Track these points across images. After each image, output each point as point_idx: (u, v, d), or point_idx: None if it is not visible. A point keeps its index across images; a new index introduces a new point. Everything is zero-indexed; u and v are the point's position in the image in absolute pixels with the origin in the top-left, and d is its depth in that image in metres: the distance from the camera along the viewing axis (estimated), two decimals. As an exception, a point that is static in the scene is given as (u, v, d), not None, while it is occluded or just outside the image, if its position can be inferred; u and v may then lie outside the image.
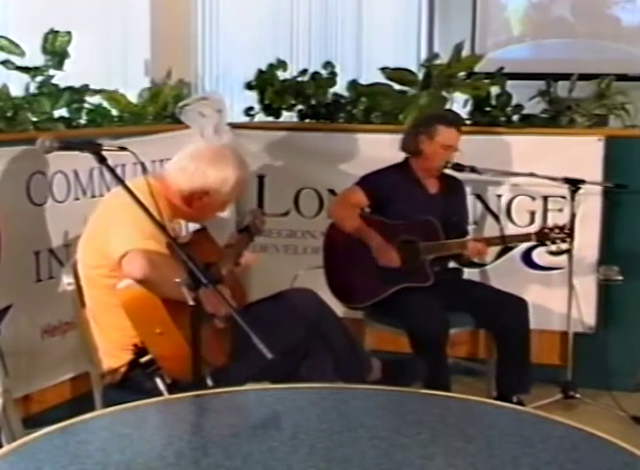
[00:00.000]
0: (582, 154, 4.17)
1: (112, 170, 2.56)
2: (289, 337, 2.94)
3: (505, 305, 3.83)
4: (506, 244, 3.95)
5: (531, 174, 4.01)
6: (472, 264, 4.17)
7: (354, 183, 3.98)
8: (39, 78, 3.70)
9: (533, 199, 4.28)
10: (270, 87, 4.68)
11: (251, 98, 4.81)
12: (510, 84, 4.47)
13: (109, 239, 2.74)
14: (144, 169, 2.68)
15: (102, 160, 2.53)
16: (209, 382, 2.49)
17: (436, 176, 4.02)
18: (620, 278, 4.09)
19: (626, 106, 4.36)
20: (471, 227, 4.20)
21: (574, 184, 3.89)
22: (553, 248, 3.98)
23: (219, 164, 2.92)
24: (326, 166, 4.48)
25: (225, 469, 1.66)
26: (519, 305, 3.82)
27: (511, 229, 4.27)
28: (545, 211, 4.27)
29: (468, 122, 4.46)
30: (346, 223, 3.93)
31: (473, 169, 3.98)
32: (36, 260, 3.49)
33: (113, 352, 2.85)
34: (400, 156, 4.02)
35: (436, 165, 3.93)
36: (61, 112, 3.78)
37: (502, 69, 4.53)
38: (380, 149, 4.20)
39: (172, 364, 2.67)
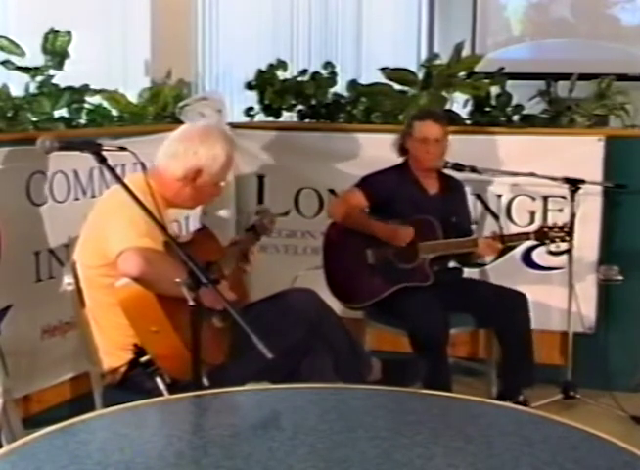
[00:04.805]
0: (582, 154, 4.17)
1: (112, 170, 2.56)
2: (289, 337, 2.94)
3: (505, 302, 3.83)
4: (505, 243, 3.94)
5: (531, 174, 4.01)
6: (472, 264, 4.17)
7: (354, 185, 3.98)
8: (39, 78, 3.70)
9: (533, 199, 4.28)
10: (270, 87, 4.68)
11: (252, 98, 4.81)
12: (510, 84, 4.47)
13: (106, 238, 2.74)
14: (144, 169, 2.68)
15: (102, 160, 2.53)
16: (205, 381, 2.49)
17: (436, 177, 4.02)
18: (620, 278, 4.09)
19: (626, 106, 4.36)
20: (472, 226, 4.19)
21: (574, 184, 3.89)
22: (553, 247, 3.98)
23: (208, 142, 2.93)
24: (326, 166, 4.48)
25: (225, 469, 1.66)
26: (519, 301, 3.83)
27: (511, 229, 4.27)
28: (545, 211, 4.27)
29: (468, 122, 4.46)
30: (348, 221, 3.93)
31: (473, 169, 3.98)
32: (36, 260, 3.49)
33: (113, 351, 2.85)
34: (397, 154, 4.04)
35: (423, 161, 3.92)
36: (61, 112, 3.78)
37: (502, 69, 4.53)
38: (380, 149, 4.20)
39: (169, 363, 2.67)
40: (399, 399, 2.14)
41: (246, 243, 3.31)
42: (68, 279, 2.92)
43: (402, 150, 3.99)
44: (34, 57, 3.69)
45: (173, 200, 2.96)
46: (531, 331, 3.84)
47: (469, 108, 4.50)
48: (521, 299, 3.84)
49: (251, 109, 4.78)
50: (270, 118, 4.76)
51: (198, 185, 2.94)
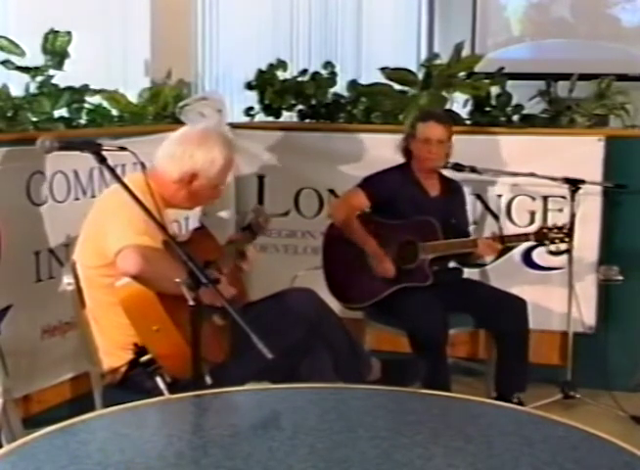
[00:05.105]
0: (582, 154, 4.17)
1: (112, 170, 2.56)
2: (288, 337, 2.94)
3: (504, 306, 3.83)
4: (504, 244, 3.95)
5: (531, 174, 4.01)
6: (472, 265, 4.17)
7: (356, 185, 3.98)
8: (39, 78, 3.70)
9: (533, 199, 4.29)
10: (270, 87, 4.68)
11: (252, 98, 4.81)
12: (510, 84, 4.47)
13: (105, 237, 2.74)
14: (144, 169, 2.67)
15: (102, 160, 2.53)
16: (208, 380, 2.49)
17: (437, 178, 4.02)
18: (620, 278, 4.09)
19: (626, 106, 4.36)
20: (471, 227, 4.20)
21: (574, 184, 3.89)
22: (552, 248, 3.99)
23: (206, 146, 2.92)
24: (326, 166, 4.48)
25: (225, 469, 1.66)
26: (518, 306, 3.82)
27: (511, 229, 4.27)
28: (545, 211, 4.27)
29: (468, 122, 4.46)
30: (346, 227, 3.93)
31: (473, 169, 3.98)
32: (36, 260, 3.49)
33: (113, 351, 2.85)
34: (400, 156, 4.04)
35: (426, 162, 3.92)
36: (61, 112, 3.78)
37: (502, 69, 4.53)
38: (380, 149, 4.20)
39: (170, 362, 2.67)
40: (399, 399, 2.14)
41: (242, 242, 3.31)
42: (67, 279, 2.92)
43: (406, 152, 3.99)
44: (34, 57, 3.69)
45: (170, 200, 2.96)
46: (528, 337, 3.83)
47: (469, 108, 4.50)
48: (519, 304, 3.83)
49: (251, 109, 4.78)
50: (270, 118, 4.76)
51: (194, 188, 2.93)
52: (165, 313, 2.63)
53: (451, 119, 4.08)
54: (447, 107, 4.45)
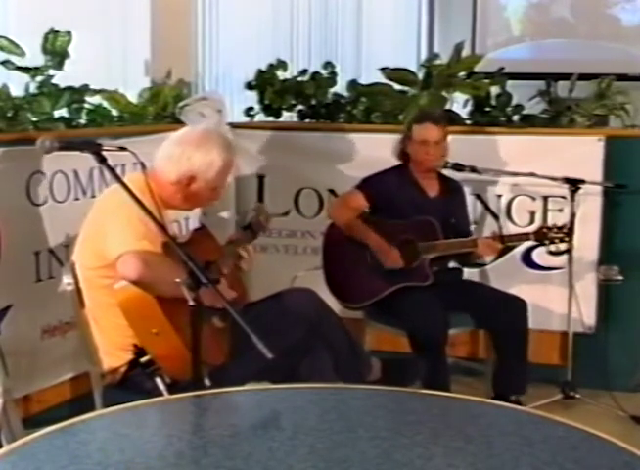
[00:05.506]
0: (582, 154, 4.17)
1: (112, 170, 2.56)
2: (288, 337, 2.94)
3: (504, 306, 3.83)
4: (505, 243, 3.95)
5: (531, 174, 4.01)
6: (472, 265, 4.17)
7: (354, 186, 3.98)
8: (39, 78, 3.70)
9: (533, 199, 4.29)
10: (270, 87, 4.68)
11: (252, 98, 4.81)
12: (510, 84, 4.47)
13: (104, 239, 2.74)
14: (144, 169, 2.67)
15: (102, 160, 2.53)
16: (207, 382, 2.49)
17: (436, 178, 4.02)
18: (620, 278, 4.09)
19: (626, 106, 4.36)
20: (471, 227, 4.19)
21: (574, 184, 3.89)
22: (552, 248, 3.99)
23: (204, 147, 2.90)
24: (326, 166, 4.48)
25: (225, 469, 1.66)
26: (518, 306, 3.82)
27: (511, 229, 4.27)
28: (545, 211, 4.27)
29: (468, 122, 4.46)
30: (347, 227, 3.93)
31: (473, 169, 3.98)
32: (36, 260, 3.49)
33: (113, 351, 2.85)
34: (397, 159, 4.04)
35: (424, 163, 3.92)
36: (61, 112, 3.78)
37: (502, 69, 4.53)
38: (380, 149, 4.20)
39: (169, 364, 2.67)
40: (399, 399, 2.15)
41: (242, 241, 3.31)
42: (67, 279, 2.91)
43: (403, 154, 3.99)
44: (34, 57, 3.69)
45: (169, 201, 2.95)
46: (528, 337, 3.82)
47: (469, 108, 4.50)
48: (519, 304, 3.83)
49: (251, 109, 4.78)
50: (270, 118, 4.76)
51: (192, 190, 2.92)
52: (164, 317, 2.63)
53: (447, 119, 4.08)
54: (447, 107, 4.46)
